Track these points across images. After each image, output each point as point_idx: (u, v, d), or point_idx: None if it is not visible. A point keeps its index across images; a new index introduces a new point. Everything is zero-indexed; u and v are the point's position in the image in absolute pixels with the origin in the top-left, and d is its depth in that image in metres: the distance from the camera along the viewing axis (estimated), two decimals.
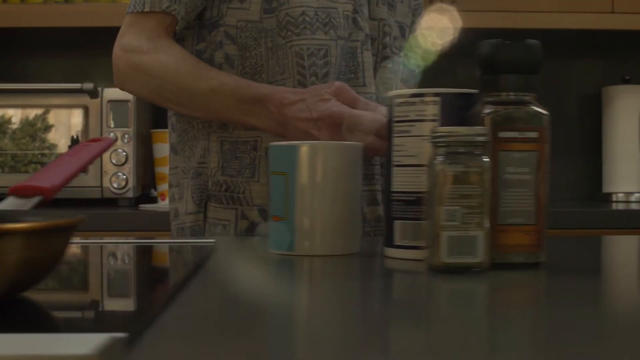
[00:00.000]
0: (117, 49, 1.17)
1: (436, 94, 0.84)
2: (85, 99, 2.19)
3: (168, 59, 1.13)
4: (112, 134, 2.19)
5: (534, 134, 0.79)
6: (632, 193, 2.48)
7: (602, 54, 2.65)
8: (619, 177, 2.51)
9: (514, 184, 0.79)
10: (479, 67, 0.81)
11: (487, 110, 0.79)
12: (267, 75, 1.16)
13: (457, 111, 0.83)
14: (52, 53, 2.54)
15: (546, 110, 0.80)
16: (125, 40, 1.17)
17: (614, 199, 2.49)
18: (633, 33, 2.40)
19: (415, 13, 1.31)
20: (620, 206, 2.22)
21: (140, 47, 1.15)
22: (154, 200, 2.39)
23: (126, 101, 2.19)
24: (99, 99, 2.19)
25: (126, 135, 2.18)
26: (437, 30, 1.28)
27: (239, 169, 1.18)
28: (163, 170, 2.27)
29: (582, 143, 2.65)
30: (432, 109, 0.84)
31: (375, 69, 1.22)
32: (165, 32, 1.17)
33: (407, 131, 0.85)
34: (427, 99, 0.84)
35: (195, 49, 1.19)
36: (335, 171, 0.89)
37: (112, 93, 2.20)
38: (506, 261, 0.79)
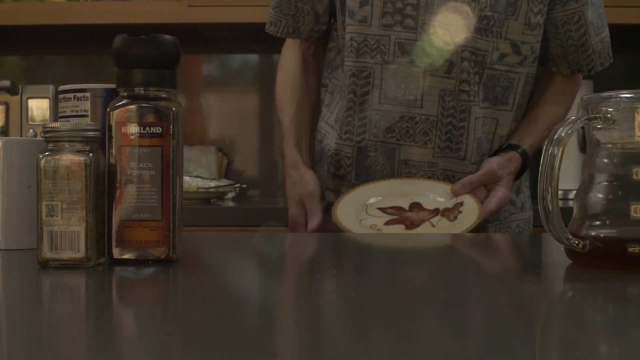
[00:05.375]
0: None
1: (84, 90, 0.84)
2: (5, 96, 2.24)
3: (280, 83, 1.46)
4: (31, 130, 2.23)
5: (157, 129, 0.78)
6: (569, 190, 2.42)
7: None
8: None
9: (137, 179, 0.79)
10: (113, 61, 0.81)
11: (113, 105, 0.79)
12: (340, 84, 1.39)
13: (106, 106, 0.83)
14: None
15: (178, 106, 0.80)
16: (286, 43, 1.48)
17: None
18: None
19: (536, 28, 1.33)
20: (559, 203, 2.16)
21: (282, 59, 1.48)
22: None
23: (45, 98, 2.23)
24: (18, 96, 2.24)
25: None
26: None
27: None
28: None
29: None
30: (83, 105, 0.84)
31: (455, 91, 1.31)
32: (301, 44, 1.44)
33: None
34: (79, 94, 0.84)
35: (327, 46, 1.43)
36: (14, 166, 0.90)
37: (31, 90, 2.24)
38: (134, 257, 0.79)
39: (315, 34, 1.43)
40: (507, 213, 1.38)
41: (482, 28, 1.30)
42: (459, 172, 1.33)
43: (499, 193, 1.29)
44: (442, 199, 1.28)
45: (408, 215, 1.27)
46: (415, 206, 1.28)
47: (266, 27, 1.44)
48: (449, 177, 1.33)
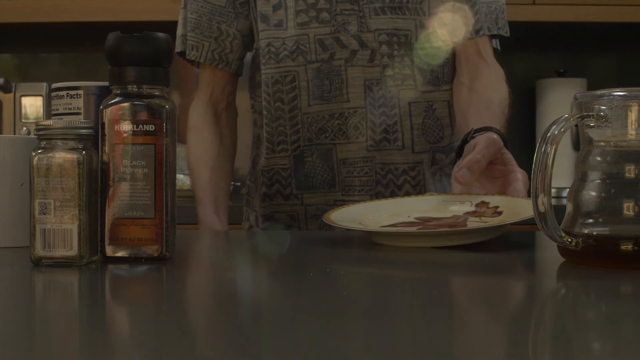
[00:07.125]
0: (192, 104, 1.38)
1: (77, 87, 0.84)
2: None
3: (192, 145, 1.35)
4: (24, 128, 2.23)
5: (150, 127, 0.78)
6: (563, 188, 2.42)
7: (535, 46, 2.59)
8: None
9: (131, 177, 0.78)
10: (107, 59, 0.81)
11: (106, 103, 0.79)
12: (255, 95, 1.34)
13: (99, 104, 0.83)
14: None
15: (171, 104, 0.80)
16: (194, 101, 1.37)
17: None
18: (560, 25, 2.34)
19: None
20: (552, 201, 2.16)
21: (191, 120, 1.36)
22: None
23: (38, 95, 2.22)
24: (12, 94, 2.23)
25: None
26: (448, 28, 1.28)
27: None
28: None
29: (516, 136, 2.59)
30: (76, 102, 0.84)
31: (380, 79, 1.26)
32: (220, 96, 1.35)
33: None
34: (72, 92, 0.84)
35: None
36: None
37: (25, 88, 2.24)
38: (127, 255, 0.79)
39: (243, 63, 1.34)
40: None
41: (397, 7, 1.25)
42: (402, 164, 1.27)
43: (519, 175, 1.05)
44: (453, 207, 1.01)
45: (436, 224, 0.97)
46: (429, 219, 1.00)
47: (186, 53, 1.31)
48: (391, 170, 1.26)
